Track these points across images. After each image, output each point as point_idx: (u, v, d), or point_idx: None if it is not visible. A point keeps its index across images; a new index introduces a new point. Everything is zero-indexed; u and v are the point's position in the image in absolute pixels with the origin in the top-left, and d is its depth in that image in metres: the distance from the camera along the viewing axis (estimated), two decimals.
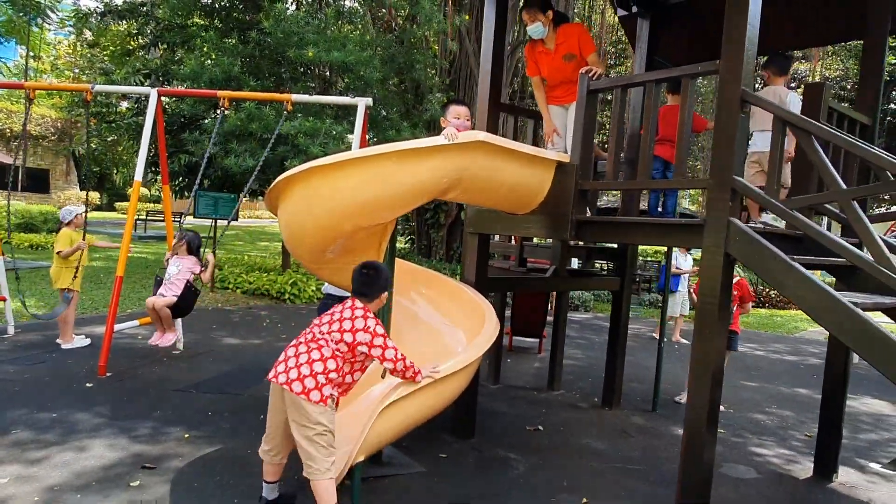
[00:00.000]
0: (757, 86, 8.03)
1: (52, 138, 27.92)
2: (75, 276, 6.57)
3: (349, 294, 3.55)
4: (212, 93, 6.74)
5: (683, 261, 9.64)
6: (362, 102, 6.29)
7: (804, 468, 4.85)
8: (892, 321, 3.76)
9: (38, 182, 26.87)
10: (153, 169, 12.09)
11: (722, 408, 6.34)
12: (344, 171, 3.49)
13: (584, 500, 3.96)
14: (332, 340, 3.25)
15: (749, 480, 4.54)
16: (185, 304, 5.99)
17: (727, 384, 7.34)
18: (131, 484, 3.70)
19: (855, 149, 2.95)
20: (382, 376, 4.15)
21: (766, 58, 4.55)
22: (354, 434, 3.49)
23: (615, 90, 4.00)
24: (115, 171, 37.29)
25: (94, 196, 31.01)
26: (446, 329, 4.66)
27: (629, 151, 4.85)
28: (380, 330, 3.31)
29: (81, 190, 30.23)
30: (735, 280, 5.89)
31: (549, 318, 7.92)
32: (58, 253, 6.55)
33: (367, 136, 12.22)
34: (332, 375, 3.23)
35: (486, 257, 4.98)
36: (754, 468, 4.80)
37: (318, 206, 3.61)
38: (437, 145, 3.52)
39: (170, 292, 5.91)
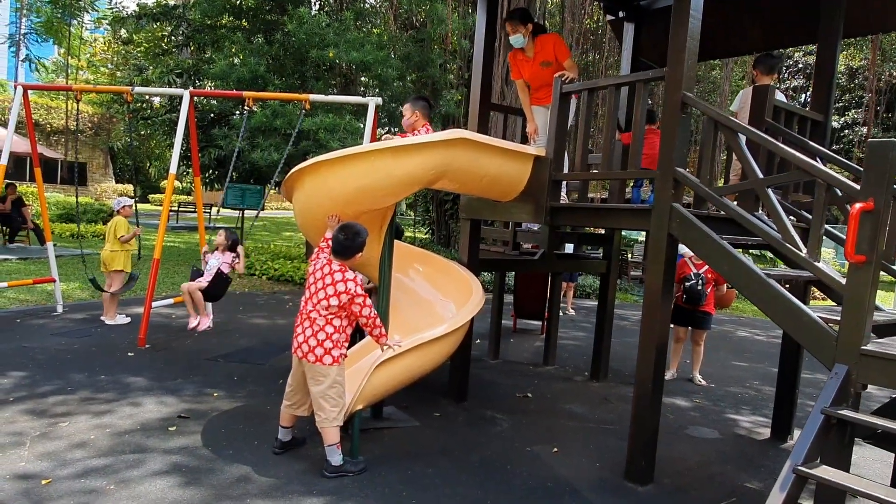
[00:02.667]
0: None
1: (90, 133, 29.16)
2: (139, 258, 7.41)
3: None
4: (238, 94, 7.41)
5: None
6: (372, 102, 6.91)
7: (765, 432, 5.37)
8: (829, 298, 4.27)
9: (77, 174, 28.05)
10: (185, 162, 12.89)
11: (703, 382, 6.88)
12: (347, 164, 4.11)
13: (555, 449, 4.57)
14: (322, 308, 3.84)
15: (709, 440, 5.09)
16: (216, 290, 6.48)
17: (716, 363, 7.89)
18: (170, 429, 4.41)
19: (765, 142, 3.49)
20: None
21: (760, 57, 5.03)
22: (354, 388, 4.13)
23: (583, 92, 4.56)
24: (148, 165, 38.60)
25: (130, 189, 32.21)
26: (439, 302, 5.27)
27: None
28: (359, 290, 3.88)
29: (118, 182, 31.53)
30: None
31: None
32: (119, 238, 7.31)
33: (391, 131, 12.86)
34: (335, 336, 3.87)
35: (478, 240, 5.57)
36: (718, 430, 5.34)
37: (326, 193, 4.24)
38: (425, 142, 4.12)
39: (204, 279, 6.42)
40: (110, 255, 7.39)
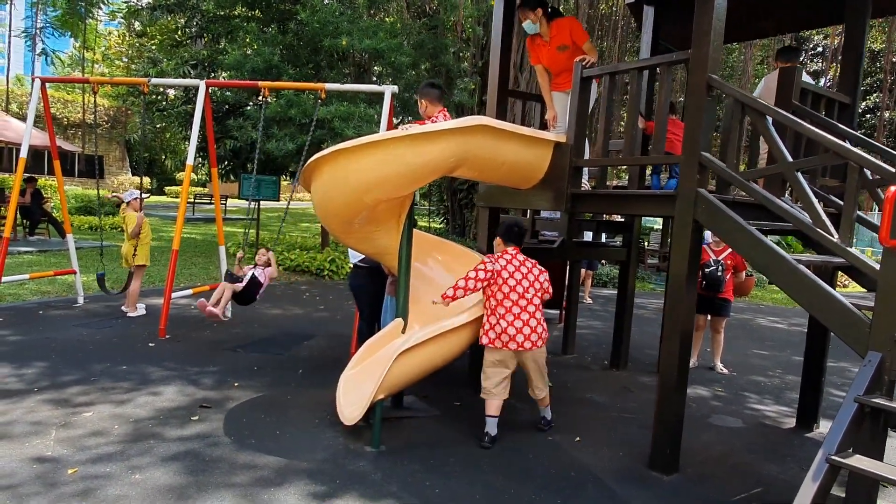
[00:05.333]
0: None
1: (106, 126, 29.38)
2: (135, 253, 7.37)
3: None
4: (254, 84, 7.38)
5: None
6: (388, 90, 6.86)
7: (789, 421, 5.30)
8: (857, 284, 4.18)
9: (93, 167, 28.36)
10: (201, 154, 12.94)
11: (725, 370, 6.80)
12: (366, 152, 4.06)
13: (577, 438, 4.53)
14: (539, 296, 4.36)
15: (733, 429, 5.03)
16: (248, 293, 6.50)
17: (737, 351, 7.80)
18: (192, 418, 4.42)
19: (793, 124, 3.40)
20: (403, 331, 4.74)
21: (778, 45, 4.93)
22: (375, 378, 4.12)
23: (605, 77, 4.48)
24: (163, 157, 38.87)
25: (146, 181, 32.48)
26: None
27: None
28: None
29: (134, 175, 31.76)
30: (730, 250, 6.33)
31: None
32: (131, 232, 7.33)
33: (403, 121, 12.79)
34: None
35: (496, 228, 5.51)
36: (742, 420, 5.27)
37: (345, 182, 4.20)
38: (444, 129, 4.06)
39: (240, 283, 6.46)
40: (128, 249, 7.39)
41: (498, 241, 4.56)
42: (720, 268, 6.42)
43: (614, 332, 6.65)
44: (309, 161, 4.31)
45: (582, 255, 7.16)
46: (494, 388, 4.33)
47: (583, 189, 4.66)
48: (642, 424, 4.92)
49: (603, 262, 13.49)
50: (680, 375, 3.91)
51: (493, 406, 4.34)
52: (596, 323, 9.26)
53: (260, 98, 7.29)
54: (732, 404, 5.67)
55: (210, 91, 7.26)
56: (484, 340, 4.33)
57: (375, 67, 12.27)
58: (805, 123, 3.43)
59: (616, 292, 7.00)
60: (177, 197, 35.06)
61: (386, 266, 5.35)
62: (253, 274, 6.45)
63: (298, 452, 3.98)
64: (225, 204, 25.60)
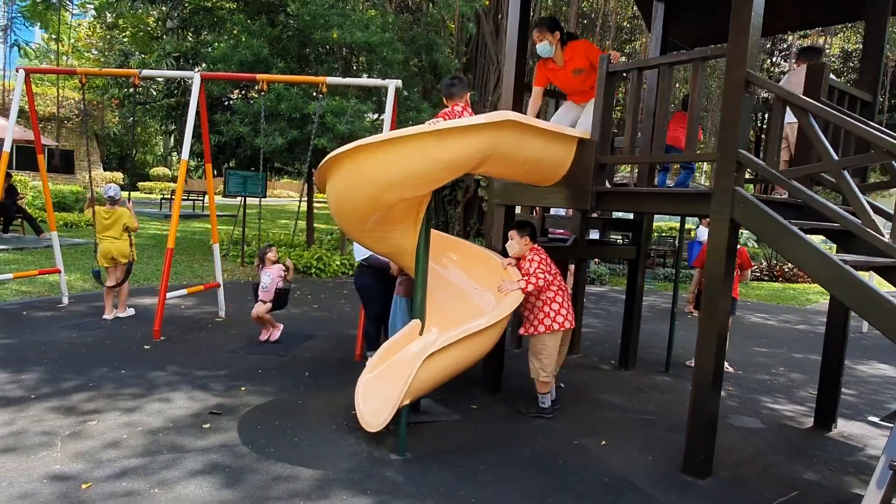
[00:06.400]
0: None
1: (76, 119, 28.55)
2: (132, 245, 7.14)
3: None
4: (251, 76, 7.15)
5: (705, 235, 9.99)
6: (392, 84, 6.68)
7: (806, 420, 5.27)
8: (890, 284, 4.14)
9: (63, 162, 27.58)
10: (178, 149, 12.56)
11: (731, 369, 6.77)
12: (389, 148, 3.88)
13: (603, 442, 4.42)
14: None
15: (753, 430, 4.98)
16: (279, 303, 6.64)
17: (738, 349, 7.78)
18: (204, 426, 4.21)
19: (844, 123, 3.33)
20: (420, 333, 4.59)
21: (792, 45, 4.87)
22: (399, 383, 3.96)
23: (632, 72, 4.37)
24: (134, 153, 37.97)
25: (118, 176, 31.70)
26: (474, 291, 5.09)
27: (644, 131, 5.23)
28: None
29: (105, 170, 30.98)
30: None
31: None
32: (125, 228, 7.08)
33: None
34: None
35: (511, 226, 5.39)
36: (759, 419, 5.23)
37: (366, 179, 4.02)
38: (472, 124, 3.91)
39: (267, 298, 6.55)
40: (124, 247, 7.10)
41: (526, 239, 4.69)
42: None
43: (623, 331, 6.58)
44: (326, 158, 4.12)
45: (593, 253, 7.07)
46: (553, 370, 4.79)
47: (607, 187, 4.54)
48: (665, 426, 4.85)
49: (596, 260, 13.47)
50: (715, 377, 3.83)
51: (551, 385, 4.85)
52: (593, 321, 9.18)
53: (257, 90, 7.02)
54: (746, 404, 5.63)
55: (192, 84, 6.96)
56: (555, 326, 4.70)
57: (362, 59, 12.02)
58: (853, 121, 3.36)
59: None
60: (150, 192, 34.34)
61: (401, 265, 5.19)
62: (277, 287, 6.57)
63: (323, 461, 3.80)
64: (203, 200, 25.09)
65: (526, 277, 4.56)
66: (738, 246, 6.60)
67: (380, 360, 4.44)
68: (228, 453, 3.82)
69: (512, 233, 4.81)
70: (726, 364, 6.82)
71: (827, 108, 3.48)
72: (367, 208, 4.29)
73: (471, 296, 5.08)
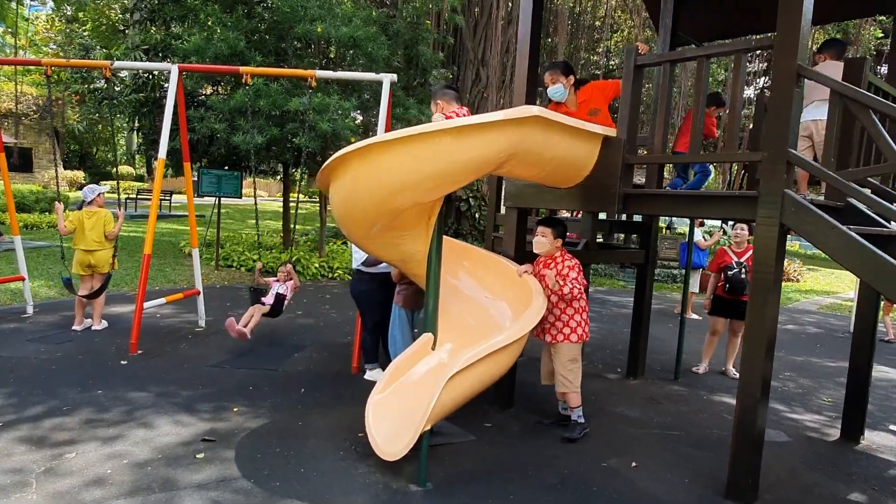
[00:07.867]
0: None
1: (34, 115, 27.38)
2: (115, 255, 6.61)
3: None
4: (234, 69, 6.67)
5: (700, 237, 9.85)
6: (387, 78, 6.30)
7: (831, 431, 5.04)
8: None
9: (22, 161, 26.40)
10: (143, 147, 11.88)
11: (737, 375, 6.53)
12: (403, 147, 3.52)
13: (634, 463, 4.11)
14: None
15: (781, 443, 4.72)
16: (276, 309, 6.27)
17: (737, 354, 7.57)
18: (197, 456, 3.77)
19: None
20: (432, 348, 4.22)
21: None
22: (419, 406, 3.59)
23: (663, 65, 4.06)
24: (95, 150, 36.77)
25: (78, 175, 30.54)
26: (487, 300, 4.74)
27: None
28: None
29: (66, 169, 29.82)
30: (752, 251, 6.08)
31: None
32: (108, 234, 6.53)
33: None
34: None
35: (525, 231, 5.06)
36: (784, 432, 4.98)
37: (376, 181, 3.65)
38: (495, 121, 3.55)
39: (268, 302, 6.27)
40: (104, 255, 6.54)
41: (559, 242, 4.48)
42: (743, 269, 6.15)
43: (631, 339, 6.29)
44: (332, 158, 3.73)
45: (603, 258, 6.78)
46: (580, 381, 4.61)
47: (634, 189, 4.23)
48: (688, 442, 4.57)
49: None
50: (763, 396, 3.54)
51: (579, 398, 4.61)
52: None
53: (243, 83, 6.56)
54: (767, 415, 5.38)
55: (164, 78, 6.44)
56: (585, 336, 4.63)
57: (345, 54, 11.54)
58: None
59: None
60: (113, 192, 33.06)
61: (407, 273, 4.81)
62: (278, 293, 6.28)
63: (336, 496, 3.40)
64: (170, 200, 24.28)
65: (562, 281, 4.33)
66: (717, 247, 6.43)
67: (390, 379, 4.05)
68: (228, 490, 3.39)
69: (544, 230, 4.46)
70: (733, 370, 6.62)
71: (890, 104, 3.21)
72: (375, 213, 3.91)
73: (484, 306, 4.73)
